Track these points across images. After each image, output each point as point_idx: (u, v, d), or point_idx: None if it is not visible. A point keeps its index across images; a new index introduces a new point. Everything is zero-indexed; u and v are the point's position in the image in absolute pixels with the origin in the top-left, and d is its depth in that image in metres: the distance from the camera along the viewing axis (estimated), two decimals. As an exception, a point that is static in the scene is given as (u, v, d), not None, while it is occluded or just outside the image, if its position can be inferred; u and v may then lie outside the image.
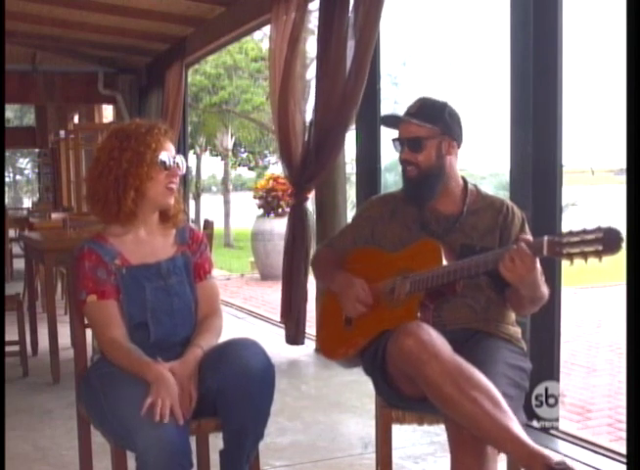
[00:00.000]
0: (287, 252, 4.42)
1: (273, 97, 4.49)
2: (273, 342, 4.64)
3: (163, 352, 1.96)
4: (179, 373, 1.88)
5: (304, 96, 4.53)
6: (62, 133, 10.56)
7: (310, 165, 4.19)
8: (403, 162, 2.16)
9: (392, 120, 2.21)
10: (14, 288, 4.86)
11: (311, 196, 4.56)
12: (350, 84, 3.85)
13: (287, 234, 4.45)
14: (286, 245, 4.43)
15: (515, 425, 1.71)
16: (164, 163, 2.00)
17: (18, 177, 33.87)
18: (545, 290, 2.03)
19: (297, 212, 4.37)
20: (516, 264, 1.82)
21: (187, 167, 2.07)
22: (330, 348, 2.29)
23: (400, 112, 2.23)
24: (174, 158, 2.03)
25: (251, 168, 21.56)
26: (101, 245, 2.01)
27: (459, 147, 2.18)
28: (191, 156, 16.11)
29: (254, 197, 10.06)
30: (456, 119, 2.16)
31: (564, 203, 3.19)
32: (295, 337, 4.44)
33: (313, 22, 4.93)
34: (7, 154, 22.30)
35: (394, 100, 16.08)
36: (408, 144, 2.13)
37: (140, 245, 2.04)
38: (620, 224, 1.67)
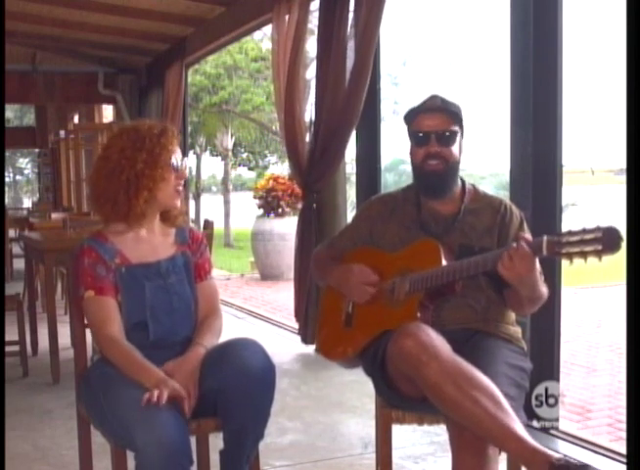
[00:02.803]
0: (297, 254, 4.43)
1: (277, 98, 4.49)
2: (273, 342, 4.65)
3: (162, 351, 1.96)
4: (181, 370, 1.89)
5: (305, 96, 4.54)
6: (62, 133, 10.57)
7: (317, 166, 4.20)
8: (431, 155, 2.11)
9: (431, 110, 2.11)
10: (14, 288, 4.86)
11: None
12: (352, 85, 3.85)
13: (296, 236, 4.45)
14: (296, 246, 4.44)
15: (516, 424, 1.72)
16: (175, 165, 2.01)
17: (18, 177, 33.87)
18: (544, 290, 2.03)
19: (307, 214, 4.38)
20: (514, 264, 1.82)
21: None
22: (329, 348, 2.29)
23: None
24: (182, 160, 2.05)
25: (250, 168, 21.56)
26: (101, 243, 2.01)
27: None
28: (191, 156, 16.12)
29: (254, 197, 10.07)
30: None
31: (564, 203, 3.19)
32: (305, 336, 4.45)
33: (313, 22, 4.94)
34: (7, 154, 22.29)
35: (394, 100, 16.09)
36: (438, 137, 2.10)
37: (140, 243, 2.05)
38: (620, 224, 1.67)
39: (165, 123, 2.08)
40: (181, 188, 2.05)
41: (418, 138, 2.13)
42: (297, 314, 4.51)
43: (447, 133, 2.11)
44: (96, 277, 1.97)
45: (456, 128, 2.12)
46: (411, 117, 2.16)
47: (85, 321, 2.08)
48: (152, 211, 2.03)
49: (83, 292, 1.98)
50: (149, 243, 2.06)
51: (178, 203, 2.06)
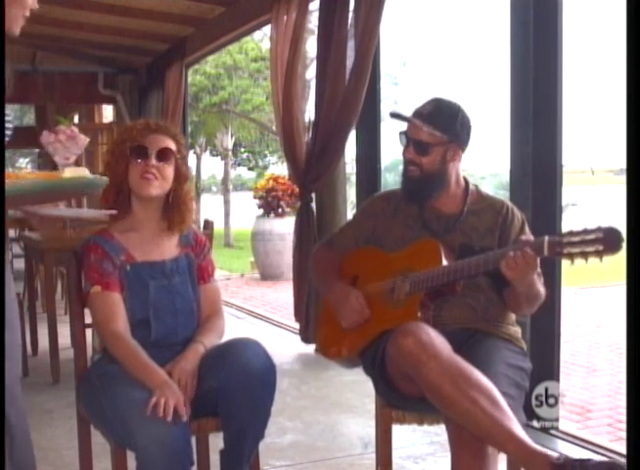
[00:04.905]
0: (295, 253, 4.43)
1: (275, 98, 4.50)
2: (273, 342, 4.65)
3: (164, 350, 1.97)
4: (179, 368, 1.89)
5: (304, 96, 4.54)
6: (62, 133, 10.54)
7: (315, 166, 4.20)
8: (407, 160, 2.15)
9: (402, 119, 2.17)
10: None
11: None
12: (352, 85, 3.86)
13: (294, 235, 4.46)
14: (294, 246, 4.45)
15: (514, 425, 1.72)
16: (136, 155, 2.02)
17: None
18: (542, 289, 2.03)
19: (304, 213, 4.38)
20: (518, 264, 1.82)
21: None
22: (329, 347, 2.29)
23: (400, 112, 2.22)
24: (157, 150, 2.02)
25: (250, 168, 21.57)
26: (107, 240, 2.03)
27: (464, 152, 2.17)
28: (191, 156, 16.12)
29: (254, 197, 10.07)
30: (466, 127, 2.14)
31: (564, 203, 3.19)
32: (306, 336, 4.46)
33: (313, 22, 4.94)
34: (7, 154, 22.26)
35: (394, 100, 16.11)
36: (414, 144, 2.12)
37: (145, 243, 2.06)
38: (620, 224, 1.67)
39: (148, 119, 2.13)
40: (150, 175, 2.00)
41: (401, 140, 2.17)
42: (297, 314, 4.51)
43: (423, 143, 2.10)
44: (102, 273, 1.98)
45: (436, 140, 2.10)
46: (404, 118, 2.18)
47: (87, 321, 2.08)
48: (138, 204, 2.04)
49: (89, 287, 1.99)
50: (154, 243, 2.07)
51: (149, 190, 2.00)
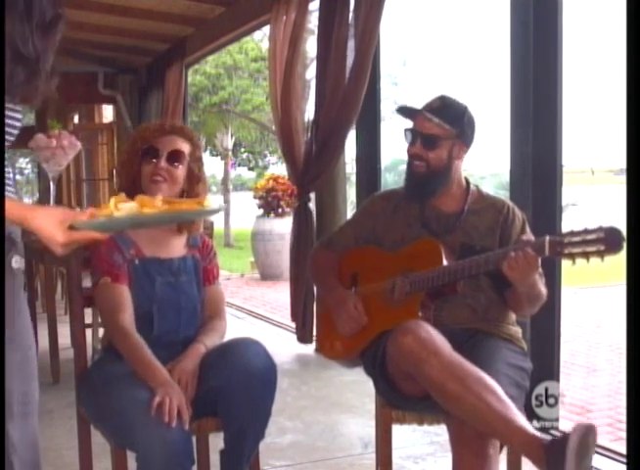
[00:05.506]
0: (292, 253, 4.43)
1: (274, 97, 4.50)
2: (273, 342, 4.65)
3: (165, 348, 1.97)
4: (180, 367, 1.90)
5: (304, 96, 4.53)
6: (62, 133, 10.52)
7: (313, 166, 4.20)
8: (413, 156, 2.14)
9: (412, 112, 2.17)
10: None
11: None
12: (351, 85, 3.86)
13: (292, 235, 4.46)
14: (291, 246, 4.45)
15: (519, 418, 1.73)
16: (147, 156, 2.04)
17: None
18: (543, 289, 2.03)
19: (302, 213, 4.38)
20: (519, 264, 1.82)
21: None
22: (330, 347, 2.29)
23: (409, 106, 2.22)
24: (168, 151, 2.04)
25: (250, 168, 21.56)
26: (117, 232, 2.02)
27: (468, 149, 2.18)
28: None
29: (254, 197, 10.08)
30: (472, 125, 2.16)
31: (564, 203, 3.19)
32: (302, 335, 4.45)
33: (313, 22, 4.94)
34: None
35: (394, 100, 16.10)
36: (422, 139, 2.12)
37: (155, 240, 2.08)
38: (621, 224, 1.67)
39: (165, 120, 2.16)
40: (159, 177, 2.02)
41: (406, 137, 2.17)
42: (294, 314, 4.51)
43: (432, 136, 2.10)
44: (113, 264, 1.99)
45: (445, 133, 2.10)
46: (410, 115, 2.17)
47: (88, 321, 2.07)
48: None
49: (99, 278, 1.99)
50: (163, 241, 2.09)
51: (156, 192, 1.95)
